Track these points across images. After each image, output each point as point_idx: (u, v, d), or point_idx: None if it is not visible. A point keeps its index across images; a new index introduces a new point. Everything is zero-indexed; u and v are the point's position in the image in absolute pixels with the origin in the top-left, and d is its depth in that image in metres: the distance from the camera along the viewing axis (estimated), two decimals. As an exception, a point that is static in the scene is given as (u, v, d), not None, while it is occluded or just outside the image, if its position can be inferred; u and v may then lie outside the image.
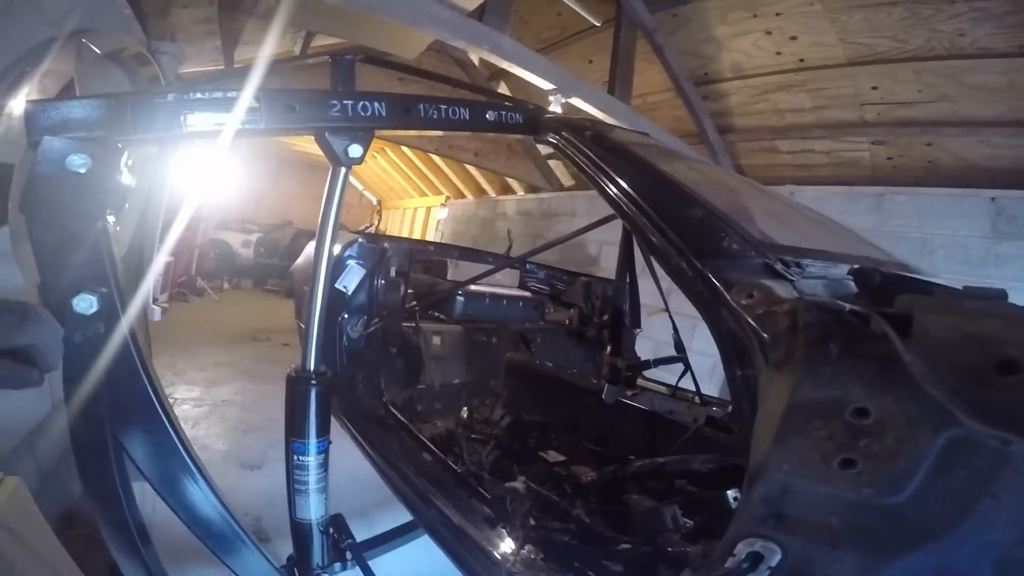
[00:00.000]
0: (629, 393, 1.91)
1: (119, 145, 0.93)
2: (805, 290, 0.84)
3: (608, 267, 3.03)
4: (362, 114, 1.21)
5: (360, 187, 13.27)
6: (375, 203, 11.82)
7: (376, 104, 1.23)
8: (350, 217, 13.38)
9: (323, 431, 1.35)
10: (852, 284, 0.90)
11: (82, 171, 0.87)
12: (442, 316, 2.47)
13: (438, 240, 8.50)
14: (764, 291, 0.81)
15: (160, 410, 1.08)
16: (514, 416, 2.27)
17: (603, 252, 5.63)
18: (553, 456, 1.87)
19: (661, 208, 1.05)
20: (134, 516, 1.13)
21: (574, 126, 1.40)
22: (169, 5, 3.12)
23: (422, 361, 2.19)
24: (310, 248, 2.06)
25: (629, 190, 1.11)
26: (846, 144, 3.75)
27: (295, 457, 1.32)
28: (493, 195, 7.84)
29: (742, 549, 0.65)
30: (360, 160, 1.25)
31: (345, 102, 1.19)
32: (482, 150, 6.24)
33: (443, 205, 9.36)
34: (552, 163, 6.40)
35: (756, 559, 0.64)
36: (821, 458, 0.64)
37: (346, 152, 1.21)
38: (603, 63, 3.89)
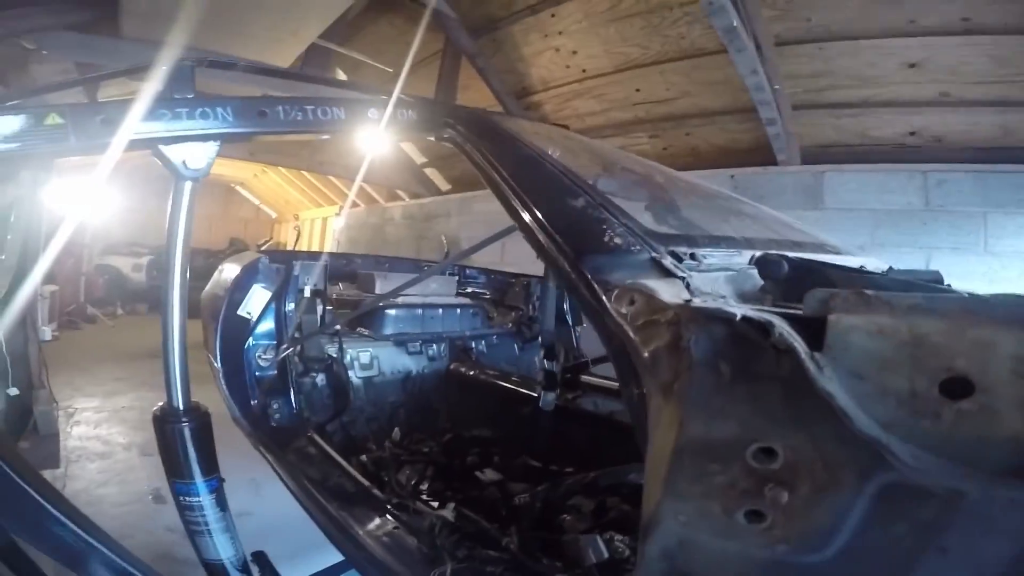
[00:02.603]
0: (570, 396, 1.80)
1: None
2: (700, 289, 0.71)
3: (513, 264, 2.90)
4: (202, 121, 1.10)
5: (256, 201, 13.09)
6: (294, 216, 11.44)
7: (220, 109, 1.11)
8: (248, 232, 13.10)
9: (207, 469, 1.26)
10: (757, 276, 0.76)
11: None
12: (370, 334, 2.31)
13: (335, 249, 8.69)
14: (646, 295, 0.68)
15: (12, 473, 0.99)
16: (453, 432, 2.15)
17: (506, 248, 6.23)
18: (489, 475, 1.75)
19: (543, 201, 0.94)
20: (17, 554, 1.08)
21: (470, 119, 1.28)
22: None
23: (348, 384, 2.06)
24: (223, 272, 1.99)
25: (514, 184, 1.01)
26: (632, 140, 4.42)
27: (181, 498, 1.25)
28: (383, 203, 8.22)
29: None
30: (204, 172, 1.15)
31: (179, 109, 1.08)
32: (352, 165, 6.57)
33: (337, 215, 9.76)
34: (427, 171, 6.88)
35: None
36: (723, 510, 0.54)
37: (185, 164, 1.12)
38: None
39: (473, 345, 2.58)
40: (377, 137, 1.37)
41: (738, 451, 0.53)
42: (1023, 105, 2.98)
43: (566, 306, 2.41)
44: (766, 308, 0.60)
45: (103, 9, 3.06)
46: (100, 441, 3.78)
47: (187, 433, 1.22)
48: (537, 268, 2.46)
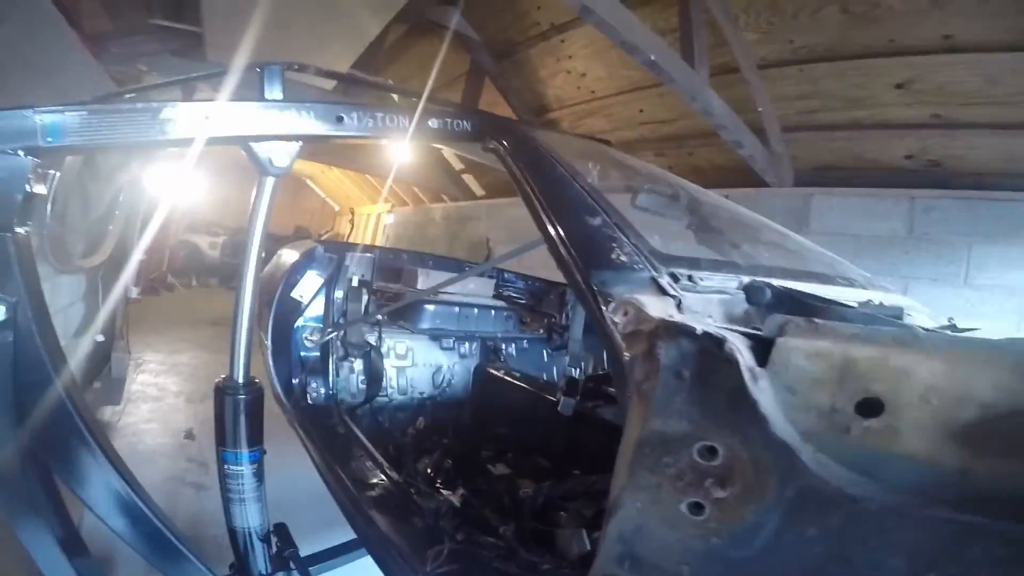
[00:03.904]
0: (590, 405, 1.78)
1: (27, 157, 0.87)
2: (690, 308, 0.76)
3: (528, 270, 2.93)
4: (288, 122, 1.14)
5: (322, 194, 13.68)
6: (349, 210, 12.20)
7: (304, 112, 1.15)
8: (312, 222, 13.82)
9: (254, 440, 1.29)
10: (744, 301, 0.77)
11: None
12: (408, 326, 2.31)
13: (383, 242, 9.15)
14: (636, 308, 0.73)
15: (77, 418, 1.00)
16: (476, 427, 2.20)
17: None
18: (500, 469, 1.79)
19: (565, 217, 0.98)
20: (64, 529, 1.06)
21: (509, 133, 1.30)
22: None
23: (382, 372, 2.06)
24: (281, 256, 2.01)
25: (543, 199, 1.04)
26: (639, 158, 4.34)
27: (226, 466, 1.27)
28: (427, 203, 8.60)
29: None
30: (287, 170, 1.19)
31: (269, 110, 1.13)
32: (391, 167, 6.92)
33: (389, 212, 10.35)
34: (464, 176, 7.15)
35: None
36: (671, 499, 0.59)
37: (271, 161, 1.16)
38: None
39: (503, 347, 2.56)
40: (433, 144, 1.45)
41: (687, 447, 0.59)
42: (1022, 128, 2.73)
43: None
44: (731, 327, 0.65)
45: (196, 37, 3.58)
46: (156, 388, 4.20)
47: (242, 405, 1.26)
48: (555, 275, 2.70)
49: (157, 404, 3.87)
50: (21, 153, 0.86)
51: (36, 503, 1.01)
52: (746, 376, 0.56)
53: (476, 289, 2.45)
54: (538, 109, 4.80)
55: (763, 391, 0.55)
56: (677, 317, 0.70)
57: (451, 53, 4.45)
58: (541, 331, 2.68)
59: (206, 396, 3.96)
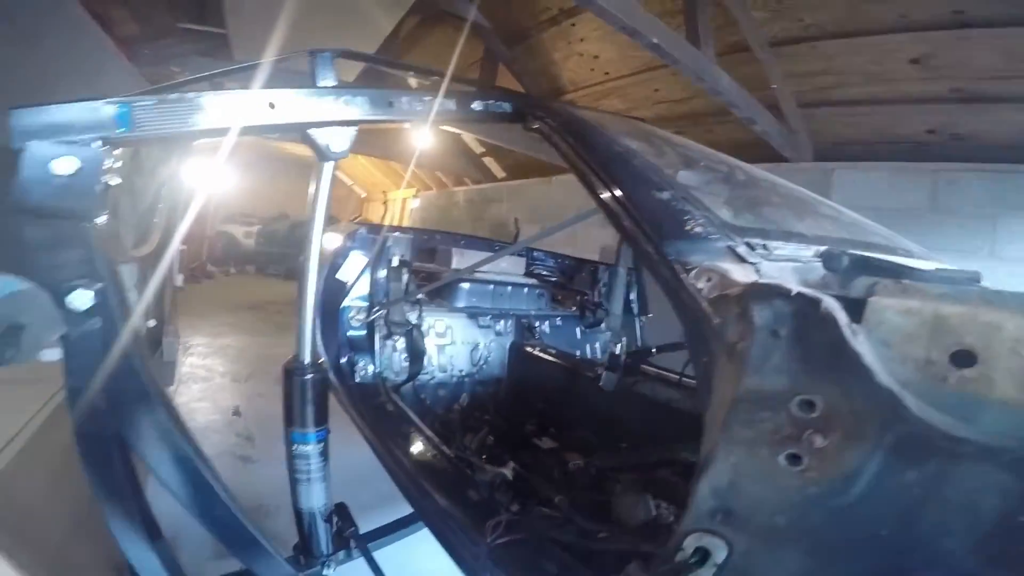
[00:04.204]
0: (630, 381, 1.77)
1: (104, 147, 0.86)
2: (768, 273, 0.76)
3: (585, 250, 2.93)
4: (344, 108, 1.14)
5: (349, 182, 13.67)
6: (382, 193, 12.30)
7: (358, 98, 1.15)
8: (340, 209, 14.43)
9: (320, 420, 1.30)
10: (821, 267, 0.76)
11: (68, 173, 0.82)
12: (445, 305, 2.30)
13: (409, 224, 9.27)
14: (720, 274, 0.74)
15: (160, 403, 1.02)
16: (514, 403, 2.20)
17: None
18: (546, 443, 1.80)
19: (629, 192, 0.98)
20: (143, 511, 1.08)
21: (555, 112, 1.30)
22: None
23: (424, 349, 2.06)
24: (324, 241, 2.08)
25: (602, 174, 1.04)
26: None
27: (294, 447, 1.28)
28: (450, 187, 8.69)
29: (690, 543, 0.62)
30: (345, 154, 1.18)
31: (327, 97, 1.12)
32: (421, 153, 7.01)
33: (415, 196, 10.36)
34: (485, 159, 7.20)
35: (704, 555, 0.61)
36: (768, 452, 0.60)
37: (329, 147, 1.15)
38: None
39: (537, 324, 2.53)
40: (476, 126, 1.50)
41: (784, 402, 0.59)
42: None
43: (632, 296, 2.37)
44: (814, 285, 0.66)
45: (221, 38, 3.71)
46: (204, 369, 4.33)
47: (309, 385, 1.29)
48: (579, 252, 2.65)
49: (206, 384, 4.08)
50: (97, 144, 0.86)
51: (123, 489, 1.02)
52: (846, 332, 0.57)
53: (508, 267, 2.45)
54: (554, 92, 4.75)
55: (862, 344, 0.57)
56: (764, 281, 0.70)
57: (464, 41, 4.43)
58: (574, 308, 2.67)
59: (250, 376, 4.13)
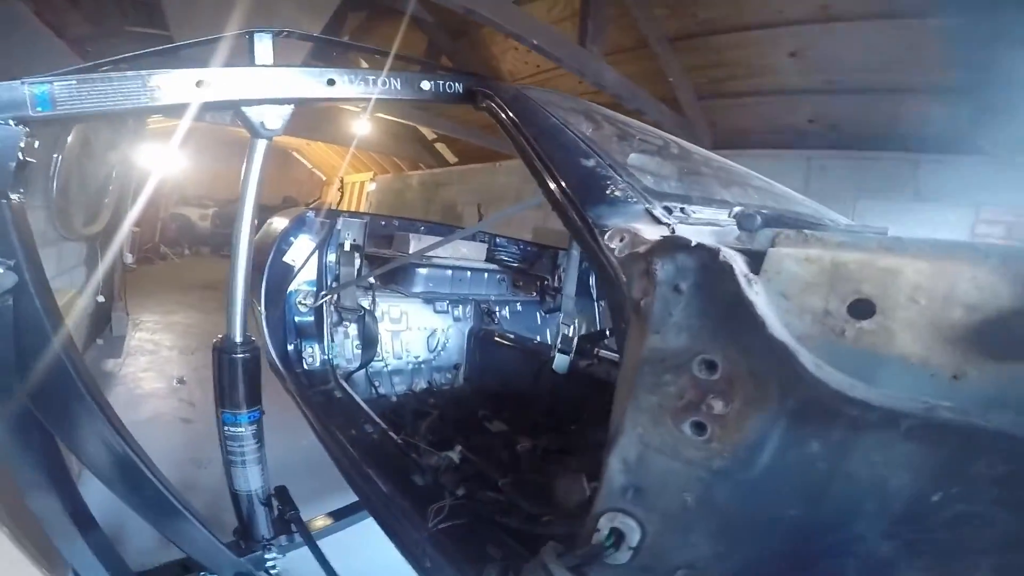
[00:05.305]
0: (584, 363, 1.72)
1: (17, 127, 0.83)
2: (684, 234, 0.70)
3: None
4: (279, 86, 1.10)
5: (309, 165, 13.64)
6: (338, 179, 12.16)
7: (294, 75, 1.12)
8: (300, 192, 13.61)
9: (253, 401, 1.23)
10: (736, 229, 0.72)
11: None
12: (401, 290, 2.18)
13: (367, 209, 9.23)
14: (632, 234, 0.72)
15: (84, 386, 0.94)
16: (469, 389, 2.15)
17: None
18: (497, 426, 1.74)
19: (558, 161, 0.97)
20: (74, 500, 1.00)
21: (502, 90, 1.27)
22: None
23: (377, 336, 1.98)
24: (272, 223, 1.91)
25: (536, 146, 1.03)
26: None
27: (226, 428, 1.22)
28: (406, 171, 8.76)
29: (604, 524, 0.59)
30: (279, 131, 1.13)
31: (261, 74, 1.09)
32: (370, 139, 7.09)
33: (372, 180, 10.30)
34: (437, 145, 7.25)
35: (619, 536, 0.58)
36: (672, 420, 0.56)
37: (263, 124, 1.12)
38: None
39: (497, 310, 2.43)
40: (425, 105, 1.33)
41: (687, 362, 0.55)
42: (909, 91, 2.89)
43: (591, 280, 2.30)
44: (723, 242, 0.61)
45: (168, 40, 3.88)
46: (152, 343, 4.21)
47: (239, 364, 1.21)
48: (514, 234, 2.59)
49: (153, 357, 3.95)
50: (11, 123, 0.83)
51: (42, 470, 0.95)
52: (741, 282, 0.54)
53: (469, 253, 2.34)
54: (493, 82, 5.03)
55: (758, 295, 0.53)
56: (668, 237, 0.66)
57: (409, 34, 4.45)
58: (534, 293, 2.58)
59: (197, 349, 4.01)
